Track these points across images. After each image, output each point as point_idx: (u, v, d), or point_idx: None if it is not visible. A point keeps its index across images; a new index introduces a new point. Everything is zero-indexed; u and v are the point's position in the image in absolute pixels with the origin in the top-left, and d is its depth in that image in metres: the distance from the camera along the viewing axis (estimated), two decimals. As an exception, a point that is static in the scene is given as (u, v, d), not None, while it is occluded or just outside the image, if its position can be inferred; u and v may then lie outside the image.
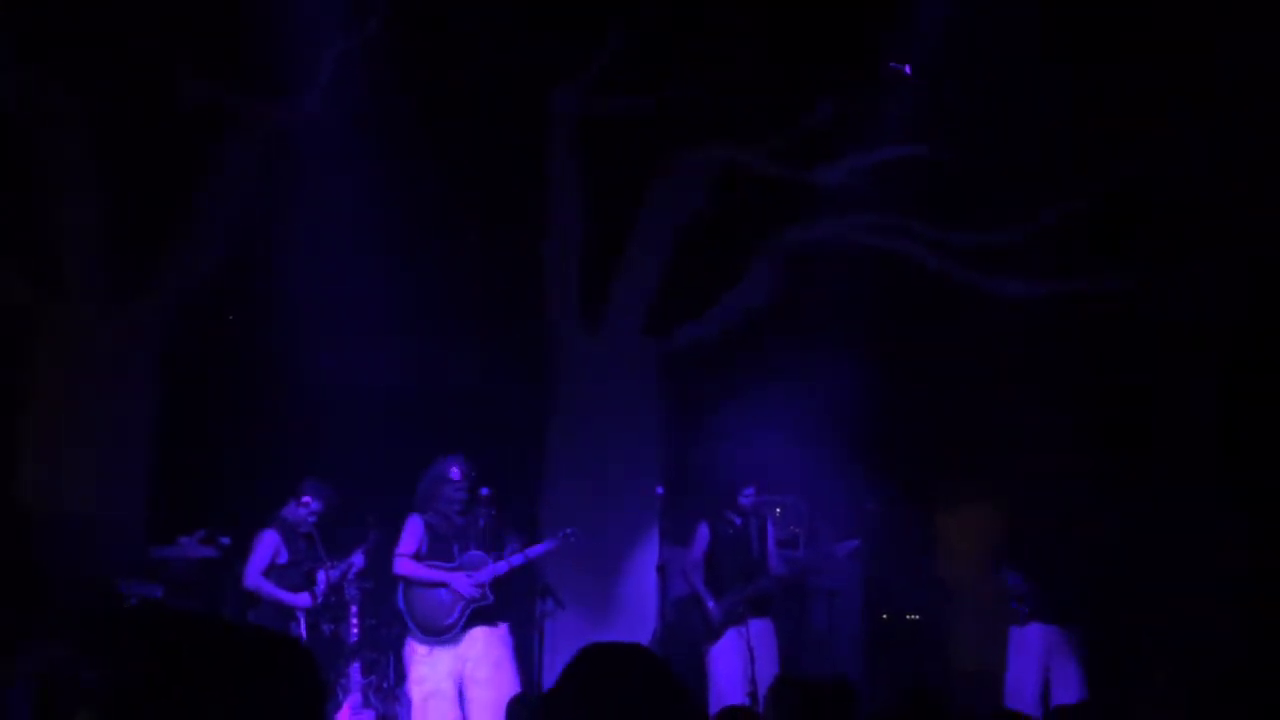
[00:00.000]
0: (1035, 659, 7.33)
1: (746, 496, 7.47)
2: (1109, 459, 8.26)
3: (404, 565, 6.49)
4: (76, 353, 7.84)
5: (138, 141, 7.51)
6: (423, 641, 6.42)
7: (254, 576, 6.74)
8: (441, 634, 6.39)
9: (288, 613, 6.73)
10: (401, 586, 6.52)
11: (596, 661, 1.92)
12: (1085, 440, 8.30)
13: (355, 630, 6.87)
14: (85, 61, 7.35)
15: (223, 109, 7.74)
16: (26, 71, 7.26)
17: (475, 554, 6.51)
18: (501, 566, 6.47)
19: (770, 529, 7.66)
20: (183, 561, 6.95)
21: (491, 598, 6.46)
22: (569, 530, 6.74)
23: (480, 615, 6.44)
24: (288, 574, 6.84)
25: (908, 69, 7.83)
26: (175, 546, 6.90)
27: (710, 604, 7.30)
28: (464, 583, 6.41)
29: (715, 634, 7.25)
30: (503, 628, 6.54)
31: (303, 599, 6.79)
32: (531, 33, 7.55)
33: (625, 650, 2.00)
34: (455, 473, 6.53)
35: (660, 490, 7.78)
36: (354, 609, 6.84)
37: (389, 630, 7.54)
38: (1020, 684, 7.31)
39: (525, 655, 6.91)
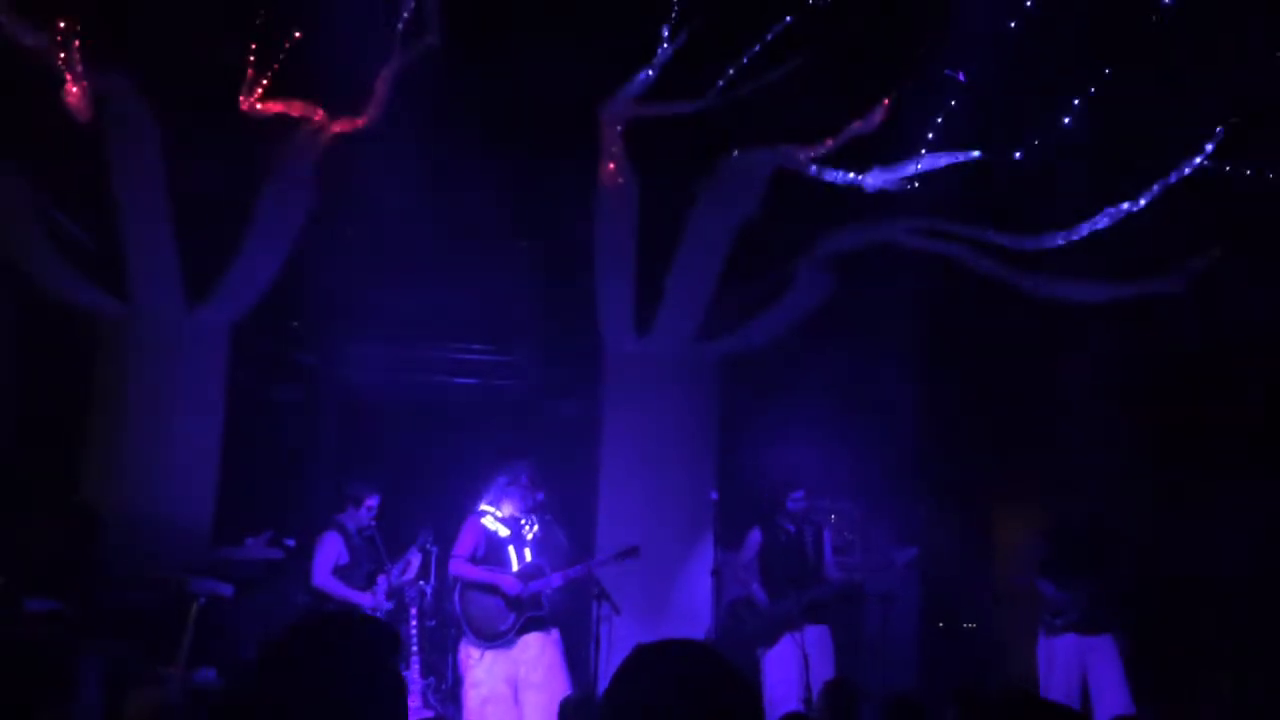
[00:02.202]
0: (1069, 671, 7.06)
1: (795, 500, 7.40)
2: (1167, 463, 8.14)
3: (457, 566, 6.51)
4: (145, 358, 8.05)
5: (205, 151, 7.70)
6: (477, 645, 6.44)
7: (322, 575, 6.83)
8: (496, 639, 6.41)
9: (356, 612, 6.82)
10: (458, 589, 6.53)
11: (652, 658, 1.91)
12: (1143, 444, 8.19)
13: (414, 632, 6.95)
14: (156, 72, 7.55)
15: (286, 120, 7.91)
16: (100, 81, 7.46)
17: (534, 563, 6.55)
18: (556, 579, 6.49)
19: (827, 535, 7.60)
20: (248, 562, 7.08)
21: (545, 607, 6.49)
22: (620, 549, 6.74)
23: (534, 622, 6.48)
24: (350, 575, 6.94)
25: (961, 76, 7.79)
26: (242, 548, 7.03)
27: (760, 597, 7.27)
28: (513, 585, 6.43)
29: (769, 638, 7.23)
30: (554, 633, 6.55)
31: (366, 598, 6.89)
32: (583, 41, 7.62)
33: (681, 645, 1.96)
34: (523, 478, 6.60)
35: (714, 495, 7.78)
36: (413, 611, 6.92)
37: (447, 632, 7.62)
38: (1052, 697, 7.09)
39: (582, 659, 6.94)
